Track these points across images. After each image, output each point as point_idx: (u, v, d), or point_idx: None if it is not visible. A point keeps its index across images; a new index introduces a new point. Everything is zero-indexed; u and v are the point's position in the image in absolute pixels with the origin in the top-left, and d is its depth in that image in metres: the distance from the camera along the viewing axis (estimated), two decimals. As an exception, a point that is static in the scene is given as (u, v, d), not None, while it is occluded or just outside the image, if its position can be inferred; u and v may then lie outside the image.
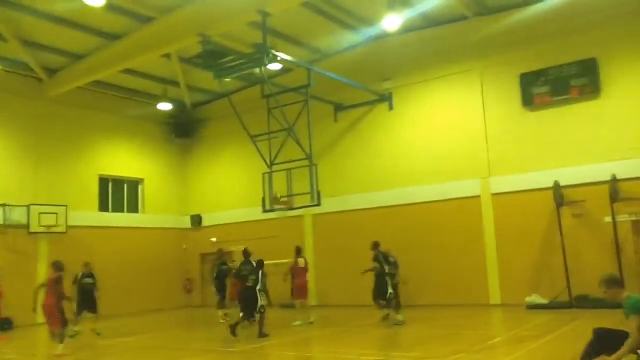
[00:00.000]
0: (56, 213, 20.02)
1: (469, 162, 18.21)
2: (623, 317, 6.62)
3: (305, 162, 16.05)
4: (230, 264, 17.50)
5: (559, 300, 15.63)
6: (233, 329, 13.00)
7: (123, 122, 23.44)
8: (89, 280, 15.61)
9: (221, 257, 17.41)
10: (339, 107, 21.01)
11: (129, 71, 20.35)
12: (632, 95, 15.92)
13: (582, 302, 15.00)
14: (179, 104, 23.94)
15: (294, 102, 17.08)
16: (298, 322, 14.98)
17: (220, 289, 16.97)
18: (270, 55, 15.30)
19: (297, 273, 15.79)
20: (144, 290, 22.70)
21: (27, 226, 19.39)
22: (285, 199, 16.61)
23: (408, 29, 18.57)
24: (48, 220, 19.78)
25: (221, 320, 16.53)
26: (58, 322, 11.45)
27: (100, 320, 15.97)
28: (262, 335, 13.08)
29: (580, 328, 11.88)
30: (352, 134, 20.95)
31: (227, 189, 24.23)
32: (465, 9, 17.48)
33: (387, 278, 14.05)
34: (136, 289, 22.34)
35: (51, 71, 20.33)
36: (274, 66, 18.63)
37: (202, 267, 24.82)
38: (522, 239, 17.00)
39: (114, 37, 18.34)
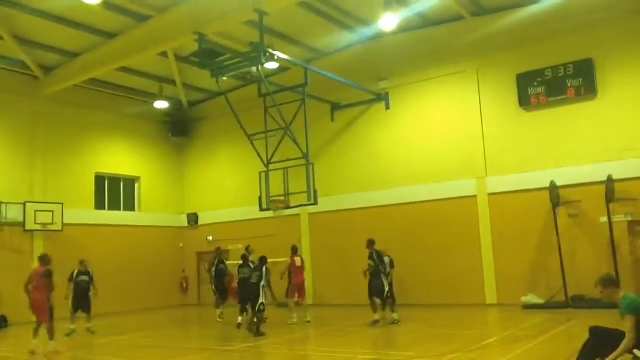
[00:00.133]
0: (52, 211, 19.96)
1: (465, 162, 18.23)
2: (619, 317, 6.63)
3: (302, 161, 16.05)
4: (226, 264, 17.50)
5: (555, 300, 15.67)
6: (257, 329, 13.18)
7: (119, 121, 23.38)
8: (84, 278, 15.56)
9: (219, 256, 17.36)
10: (335, 107, 21.01)
11: (125, 69, 20.30)
12: (628, 96, 15.95)
13: (578, 302, 15.04)
14: (175, 102, 23.91)
15: (291, 101, 17.08)
16: (294, 320, 14.97)
17: (218, 288, 16.93)
18: (268, 54, 15.28)
19: (294, 272, 15.79)
20: (140, 289, 22.65)
21: (22, 224, 19.32)
22: (282, 198, 16.61)
23: (405, 29, 18.59)
24: (44, 218, 19.72)
25: (218, 319, 16.52)
26: (48, 316, 11.40)
27: (96, 318, 15.94)
28: (259, 334, 13.08)
29: (576, 328, 11.92)
30: (349, 134, 20.95)
31: (223, 188, 24.20)
32: (461, 9, 17.49)
33: (383, 276, 14.04)
34: (132, 287, 22.29)
35: (47, 69, 20.27)
36: (271, 65, 18.65)
37: (199, 265, 24.83)
38: (518, 239, 17.02)
39: (110, 35, 18.29)
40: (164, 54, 19.54)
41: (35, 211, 19.56)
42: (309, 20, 18.03)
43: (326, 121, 21.04)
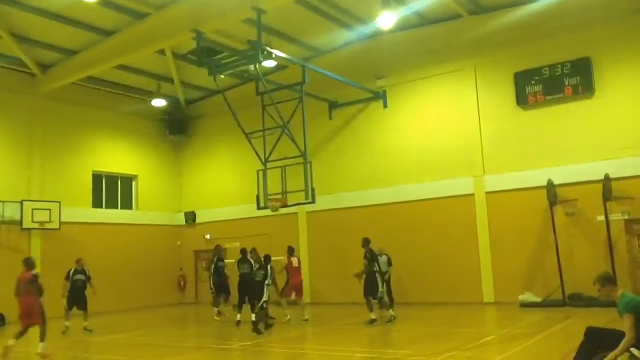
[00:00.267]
0: (49, 209, 19.92)
1: (463, 160, 18.24)
2: (616, 315, 6.64)
3: (300, 160, 16.06)
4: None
5: (552, 298, 15.68)
6: (265, 324, 13.37)
7: (117, 118, 23.33)
8: (80, 277, 15.57)
9: (219, 253, 17.33)
10: (333, 105, 20.99)
11: (123, 67, 20.25)
12: (625, 94, 15.98)
13: (575, 301, 15.08)
14: (173, 100, 23.88)
15: (289, 100, 17.08)
16: (288, 317, 14.98)
17: (217, 286, 16.89)
18: (265, 52, 15.26)
19: (292, 272, 15.82)
20: (138, 287, 22.63)
21: (20, 222, 19.28)
22: (279, 196, 16.62)
23: (402, 27, 18.59)
24: (41, 216, 19.68)
25: (216, 318, 16.52)
26: (40, 319, 11.13)
27: (93, 317, 15.92)
28: (257, 331, 13.12)
29: (573, 326, 11.95)
30: (347, 132, 20.94)
31: (221, 186, 24.18)
32: (459, 7, 17.49)
33: (377, 276, 14.04)
34: (130, 285, 22.27)
35: (44, 67, 20.23)
36: (269, 63, 18.62)
37: (197, 264, 24.83)
38: (515, 237, 17.03)
39: (107, 32, 18.26)
40: (162, 52, 19.52)
41: (33, 209, 19.52)
42: (307, 18, 18.01)
43: (324, 119, 21.03)
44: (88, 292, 15.65)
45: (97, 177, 22.82)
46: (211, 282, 16.96)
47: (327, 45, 20.53)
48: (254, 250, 15.80)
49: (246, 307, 14.74)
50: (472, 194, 18.05)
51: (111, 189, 23.51)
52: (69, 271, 15.64)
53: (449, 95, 18.88)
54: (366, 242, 14.32)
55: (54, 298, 16.22)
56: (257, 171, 16.92)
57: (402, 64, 19.74)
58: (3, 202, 18.94)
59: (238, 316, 14.88)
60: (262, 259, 14.49)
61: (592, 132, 16.26)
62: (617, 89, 16.10)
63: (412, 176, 19.15)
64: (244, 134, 16.93)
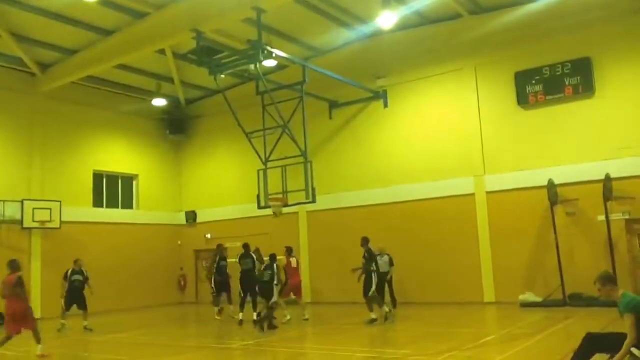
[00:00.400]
0: (50, 208, 19.91)
1: (463, 160, 18.23)
2: (617, 315, 6.62)
3: (300, 159, 16.05)
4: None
5: (553, 298, 15.67)
6: (269, 323, 13.52)
7: (117, 118, 23.32)
8: (78, 277, 15.60)
9: (220, 253, 17.31)
10: (333, 104, 20.98)
11: (122, 66, 20.23)
12: (626, 94, 15.96)
13: (575, 300, 15.07)
14: (173, 100, 23.88)
15: (289, 99, 17.06)
16: (287, 318, 14.99)
17: (219, 285, 16.87)
18: (265, 51, 15.25)
19: (290, 273, 15.80)
20: (138, 287, 22.62)
21: (20, 221, 19.28)
22: (280, 196, 16.62)
23: (403, 27, 18.57)
24: (42, 215, 19.68)
25: (217, 317, 16.54)
26: (31, 322, 10.93)
27: (94, 316, 15.94)
28: (260, 328, 13.30)
29: (573, 326, 11.95)
30: (347, 131, 20.93)
31: (221, 186, 24.17)
32: (459, 7, 17.47)
33: (373, 275, 14.02)
34: (130, 285, 22.26)
35: (44, 66, 20.22)
36: (269, 63, 18.61)
37: (197, 263, 24.83)
38: (516, 237, 17.02)
39: (107, 32, 18.25)
40: (162, 51, 19.51)
41: (33, 209, 19.52)
42: (307, 18, 18.00)
43: (324, 119, 21.02)
44: (86, 292, 15.67)
45: (97, 177, 22.81)
46: (213, 281, 16.97)
47: (327, 45, 20.52)
48: (257, 250, 15.80)
49: (248, 306, 14.81)
50: (473, 194, 18.04)
51: (112, 188, 23.51)
52: (67, 272, 15.69)
53: (450, 95, 18.87)
54: (365, 241, 14.31)
55: (54, 297, 16.30)
56: (258, 171, 16.90)
57: (402, 63, 19.73)
58: (3, 201, 18.93)
59: (240, 315, 14.90)
60: (268, 257, 14.58)
61: (593, 132, 16.25)
62: (617, 89, 16.09)
63: (412, 176, 19.14)
64: (244, 133, 16.92)
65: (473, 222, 17.87)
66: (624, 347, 6.19)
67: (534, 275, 16.74)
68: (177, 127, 24.98)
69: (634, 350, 6.20)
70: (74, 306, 15.47)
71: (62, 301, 15.50)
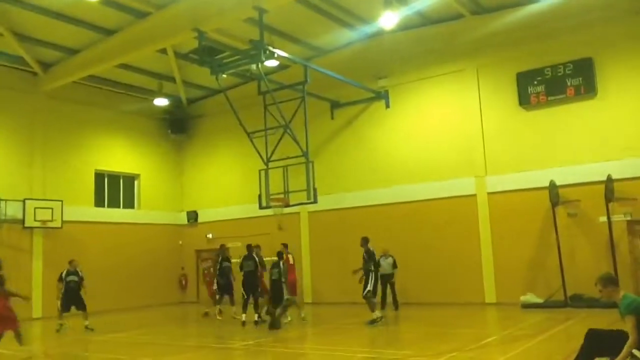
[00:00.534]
0: (52, 208, 19.93)
1: (465, 160, 18.21)
2: (618, 316, 6.61)
3: (302, 160, 16.03)
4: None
5: (554, 299, 15.65)
6: (272, 323, 13.64)
7: (119, 118, 23.34)
8: (73, 278, 15.57)
9: (223, 253, 17.30)
10: (335, 105, 20.97)
11: (124, 66, 20.25)
12: (627, 95, 15.93)
13: (576, 302, 15.04)
14: (175, 99, 23.89)
15: (291, 99, 17.04)
16: (289, 318, 14.97)
17: (221, 287, 16.87)
18: (267, 51, 15.23)
19: (288, 270, 15.78)
20: (139, 286, 22.64)
21: (22, 221, 19.31)
22: (281, 196, 16.62)
23: (404, 27, 18.56)
24: (43, 215, 19.70)
25: (218, 317, 16.57)
26: (14, 322, 10.67)
27: (94, 316, 15.95)
28: (274, 326, 13.50)
29: (574, 327, 11.92)
30: (349, 132, 20.92)
31: (223, 186, 24.17)
32: (461, 7, 17.46)
33: (371, 275, 13.99)
34: (131, 285, 22.28)
35: (46, 65, 20.24)
36: (271, 63, 18.59)
37: (198, 263, 24.83)
38: (517, 238, 17.00)
39: (109, 31, 18.27)
40: (164, 51, 19.52)
41: (35, 208, 19.55)
42: (309, 18, 17.99)
43: (326, 119, 21.02)
44: (82, 292, 15.67)
45: (99, 176, 22.84)
46: (215, 282, 16.98)
47: (329, 45, 20.51)
48: (257, 247, 15.81)
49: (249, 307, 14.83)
50: (474, 195, 18.02)
51: (113, 188, 23.52)
52: (62, 273, 15.67)
53: (451, 96, 18.85)
54: (365, 241, 14.28)
55: (55, 297, 16.28)
56: (259, 171, 16.88)
57: (404, 64, 19.72)
58: (5, 200, 18.96)
59: (243, 316, 14.88)
60: (276, 255, 14.78)
61: (595, 133, 16.22)
62: (619, 90, 16.06)
63: (414, 176, 19.13)
64: (246, 133, 16.91)
65: (474, 223, 17.85)
66: (625, 348, 6.17)
67: (535, 276, 16.72)
68: (179, 126, 25.00)
69: (635, 352, 6.18)
70: (73, 307, 15.47)
71: (58, 303, 15.50)
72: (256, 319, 14.56)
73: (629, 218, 15.57)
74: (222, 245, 17.72)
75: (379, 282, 14.85)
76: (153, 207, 24.45)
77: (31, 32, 18.08)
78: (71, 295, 15.44)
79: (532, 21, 17.04)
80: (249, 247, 15.60)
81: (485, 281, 17.50)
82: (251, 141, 16.94)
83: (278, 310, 13.91)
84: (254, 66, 15.92)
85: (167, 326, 16.93)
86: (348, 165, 20.71)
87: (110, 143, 23.25)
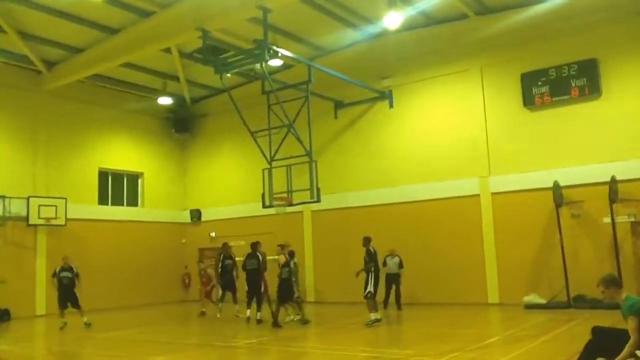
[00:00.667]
0: (55, 206, 19.99)
1: (468, 161, 18.19)
2: (620, 317, 6.60)
3: (305, 159, 16.04)
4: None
5: (557, 300, 15.62)
6: (274, 322, 13.77)
7: (123, 116, 23.39)
8: (67, 274, 15.53)
9: (225, 251, 17.30)
10: (339, 104, 20.97)
11: (128, 65, 20.27)
12: (632, 96, 15.88)
13: (580, 303, 15.00)
14: (178, 98, 23.91)
15: (294, 99, 17.05)
16: (291, 317, 14.97)
17: (225, 284, 16.87)
18: (271, 51, 15.24)
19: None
20: (142, 284, 22.68)
21: (26, 218, 19.37)
22: (285, 195, 16.61)
23: (408, 27, 18.54)
24: (47, 212, 19.76)
25: (218, 315, 16.59)
26: None
27: (96, 313, 15.98)
28: (304, 322, 13.93)
29: (577, 328, 11.88)
30: (352, 132, 20.91)
31: (226, 185, 24.20)
32: (465, 8, 17.43)
33: (371, 275, 13.95)
34: (134, 282, 22.32)
35: (50, 64, 20.28)
36: (275, 62, 18.55)
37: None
38: (521, 239, 16.97)
39: (113, 30, 18.30)
40: (168, 50, 19.54)
41: (39, 206, 19.62)
42: (313, 18, 17.99)
43: (329, 119, 21.02)
44: (77, 290, 15.63)
45: (103, 174, 22.89)
46: (217, 282, 16.99)
47: (333, 45, 20.50)
48: (258, 243, 15.79)
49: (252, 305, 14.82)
50: (478, 195, 18.00)
51: (117, 186, 23.58)
52: (55, 269, 15.69)
53: (455, 96, 18.82)
54: (367, 241, 14.22)
55: (55, 295, 16.29)
56: (263, 170, 16.89)
57: (408, 64, 19.70)
58: (9, 198, 19.02)
59: (248, 312, 14.91)
60: (287, 254, 14.86)
61: (599, 134, 16.18)
62: (624, 91, 16.01)
63: (417, 176, 19.11)
64: (250, 132, 16.92)
65: (478, 223, 17.83)
66: (626, 348, 6.16)
67: (538, 277, 16.68)
68: (183, 125, 25.05)
69: (638, 353, 6.17)
70: (69, 305, 15.46)
71: (57, 300, 15.52)
72: (257, 317, 14.57)
73: (632, 219, 15.52)
74: (225, 244, 17.68)
75: (385, 281, 14.82)
76: (156, 205, 24.49)
77: (35, 30, 18.12)
78: (65, 292, 15.43)
79: (536, 22, 17.00)
80: (253, 245, 15.58)
81: (488, 281, 17.47)
82: (255, 140, 16.95)
83: (295, 309, 14.20)
84: (257, 65, 15.92)
85: (169, 324, 16.96)
86: (351, 164, 20.70)
87: (114, 141, 23.30)
